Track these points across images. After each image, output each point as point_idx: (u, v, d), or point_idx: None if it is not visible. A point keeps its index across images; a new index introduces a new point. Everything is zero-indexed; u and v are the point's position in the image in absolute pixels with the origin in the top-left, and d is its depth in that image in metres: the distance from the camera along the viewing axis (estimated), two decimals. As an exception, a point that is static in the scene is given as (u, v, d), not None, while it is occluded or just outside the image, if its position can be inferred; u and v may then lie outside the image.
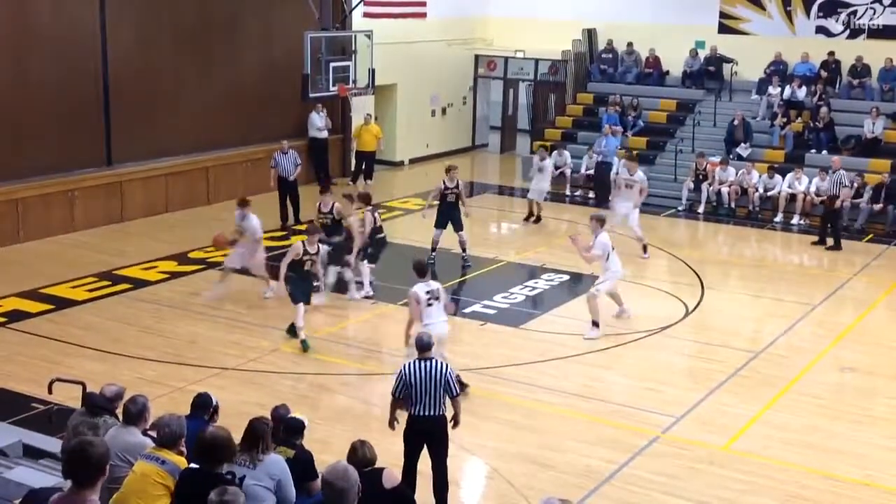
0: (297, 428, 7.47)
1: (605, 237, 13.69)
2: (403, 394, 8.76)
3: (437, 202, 16.79)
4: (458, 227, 16.88)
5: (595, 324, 13.60)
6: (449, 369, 8.75)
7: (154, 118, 20.02)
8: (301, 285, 13.25)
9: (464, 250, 17.00)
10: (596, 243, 13.68)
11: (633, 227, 17.74)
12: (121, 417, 7.47)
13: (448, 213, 16.75)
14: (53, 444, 9.06)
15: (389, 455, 8.09)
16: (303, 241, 13.39)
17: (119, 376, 11.51)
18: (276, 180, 19.56)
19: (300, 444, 7.40)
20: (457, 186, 16.74)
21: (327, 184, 18.20)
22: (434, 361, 8.76)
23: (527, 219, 20.49)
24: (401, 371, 8.81)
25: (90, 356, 12.57)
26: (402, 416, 8.93)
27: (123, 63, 19.30)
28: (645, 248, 17.78)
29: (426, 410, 8.66)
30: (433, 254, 16.63)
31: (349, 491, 5.40)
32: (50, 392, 9.90)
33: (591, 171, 23.12)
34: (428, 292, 11.06)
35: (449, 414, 8.83)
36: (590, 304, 13.72)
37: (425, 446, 8.79)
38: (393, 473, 6.90)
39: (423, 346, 8.88)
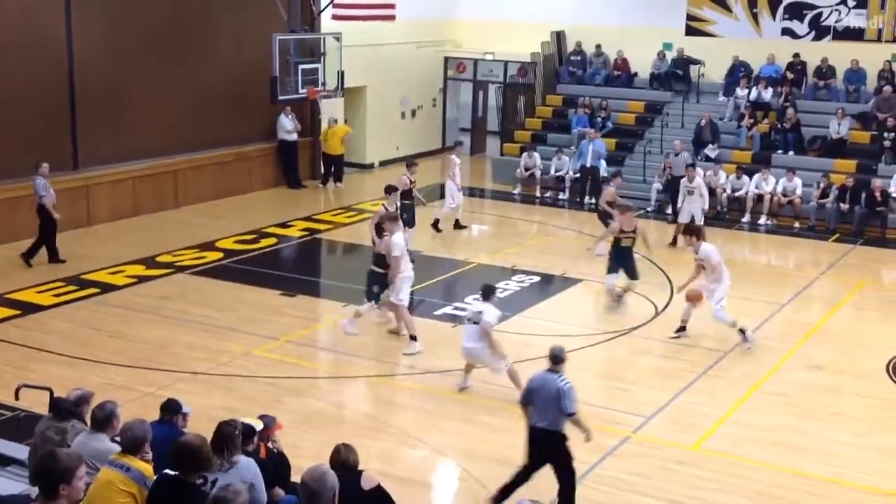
0: (246, 433, 7.39)
1: (399, 237, 13.13)
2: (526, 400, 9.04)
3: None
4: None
5: (413, 338, 13.10)
6: (566, 385, 8.81)
7: (121, 121, 19.84)
8: (619, 259, 15.08)
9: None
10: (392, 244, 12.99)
11: None
12: (89, 423, 7.41)
13: None
14: (21, 451, 8.94)
15: (367, 459, 8.04)
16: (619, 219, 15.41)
17: (87, 382, 11.38)
18: (40, 211, 16.43)
19: (254, 450, 7.38)
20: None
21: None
22: (553, 374, 8.91)
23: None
24: (528, 379, 9.19)
25: (58, 362, 12.44)
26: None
27: (90, 66, 19.13)
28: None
29: (538, 421, 8.89)
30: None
31: (322, 494, 5.39)
32: (17, 398, 9.78)
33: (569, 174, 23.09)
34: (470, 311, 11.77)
35: (571, 431, 8.94)
36: (402, 316, 13.21)
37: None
38: (371, 476, 6.88)
39: (552, 358, 9.05)
